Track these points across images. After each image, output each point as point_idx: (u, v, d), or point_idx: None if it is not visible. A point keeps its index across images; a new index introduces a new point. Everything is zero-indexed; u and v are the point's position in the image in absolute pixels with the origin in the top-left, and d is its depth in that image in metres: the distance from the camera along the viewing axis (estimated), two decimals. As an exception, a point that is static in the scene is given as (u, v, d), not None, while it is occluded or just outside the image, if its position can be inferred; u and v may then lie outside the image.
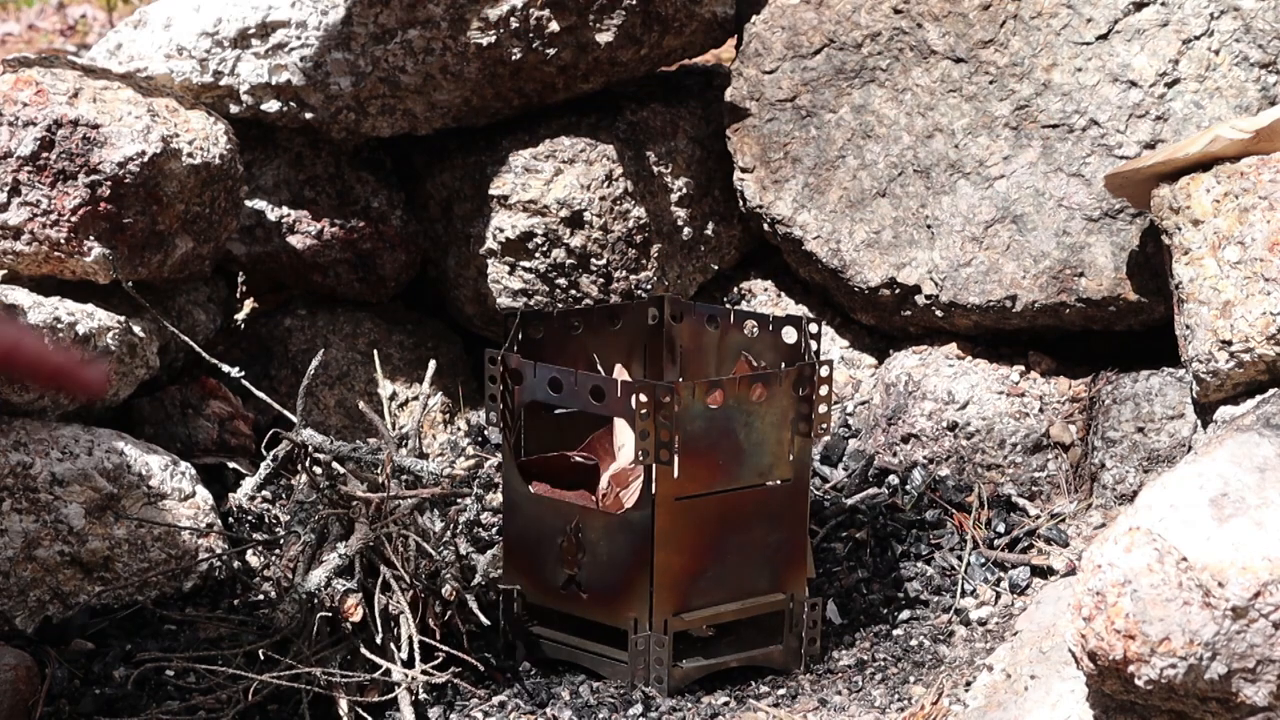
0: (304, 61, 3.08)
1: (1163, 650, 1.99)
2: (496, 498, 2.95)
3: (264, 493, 2.95)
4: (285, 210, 3.21)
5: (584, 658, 2.55)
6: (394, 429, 2.86)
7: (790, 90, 3.19)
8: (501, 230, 3.20)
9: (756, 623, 2.58)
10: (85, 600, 2.65)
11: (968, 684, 2.46)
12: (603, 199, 3.21)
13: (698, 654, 2.55)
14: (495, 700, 2.49)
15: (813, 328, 2.65)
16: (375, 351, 3.15)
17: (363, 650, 2.45)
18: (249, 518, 2.91)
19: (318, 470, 2.65)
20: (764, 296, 3.34)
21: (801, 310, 3.28)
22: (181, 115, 2.86)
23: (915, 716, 2.43)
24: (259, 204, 3.20)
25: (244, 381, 2.90)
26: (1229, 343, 2.54)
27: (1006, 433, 3.01)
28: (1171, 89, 2.95)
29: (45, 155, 2.75)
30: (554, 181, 3.20)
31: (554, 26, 3.08)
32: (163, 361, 2.96)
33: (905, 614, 2.73)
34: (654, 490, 2.44)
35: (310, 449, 2.66)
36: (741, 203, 3.26)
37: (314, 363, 2.73)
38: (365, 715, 2.41)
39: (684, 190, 3.29)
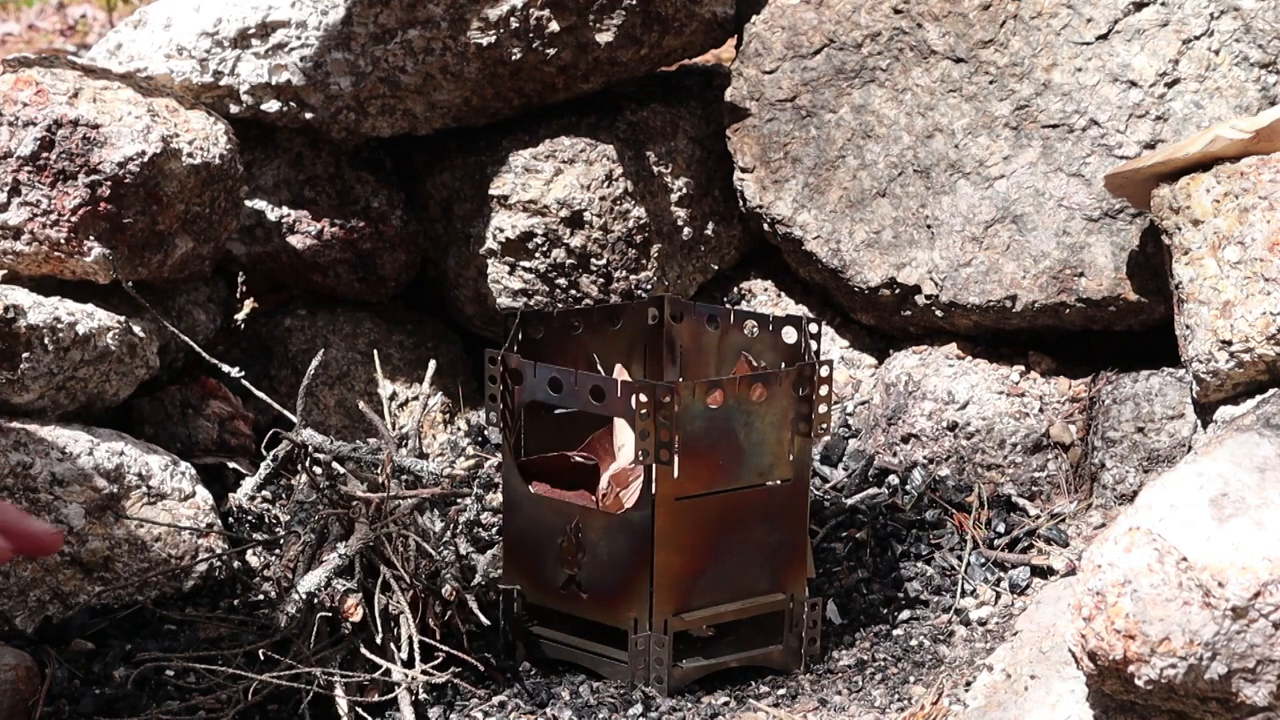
0: (304, 61, 3.08)
1: (1163, 650, 1.99)
2: (496, 498, 2.95)
3: (264, 493, 2.95)
4: (285, 210, 3.21)
5: (584, 658, 2.55)
6: (394, 429, 2.86)
7: (790, 90, 3.19)
8: (501, 230, 3.20)
9: (756, 623, 2.58)
10: (85, 600, 2.65)
11: (968, 684, 2.46)
12: (603, 199, 3.21)
13: (698, 654, 2.55)
14: (495, 700, 2.49)
15: (813, 328, 2.65)
16: (375, 351, 3.15)
17: (363, 650, 2.45)
18: (249, 518, 2.91)
19: (318, 470, 2.65)
20: (764, 296, 3.34)
21: (801, 310, 3.28)
22: (181, 115, 2.86)
23: (915, 716, 2.43)
24: (259, 204, 3.20)
25: (244, 381, 2.90)
26: (1229, 343, 2.54)
27: (1006, 433, 3.02)
28: (1171, 89, 2.95)
29: (45, 155, 2.75)
30: (554, 181, 3.20)
31: (554, 26, 3.08)
32: (163, 361, 2.96)
33: (905, 614, 2.73)
34: (654, 490, 2.44)
35: (310, 449, 2.66)
36: (741, 203, 3.26)
37: (314, 363, 2.73)
38: (365, 715, 2.41)
39: (684, 190, 3.29)
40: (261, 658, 2.47)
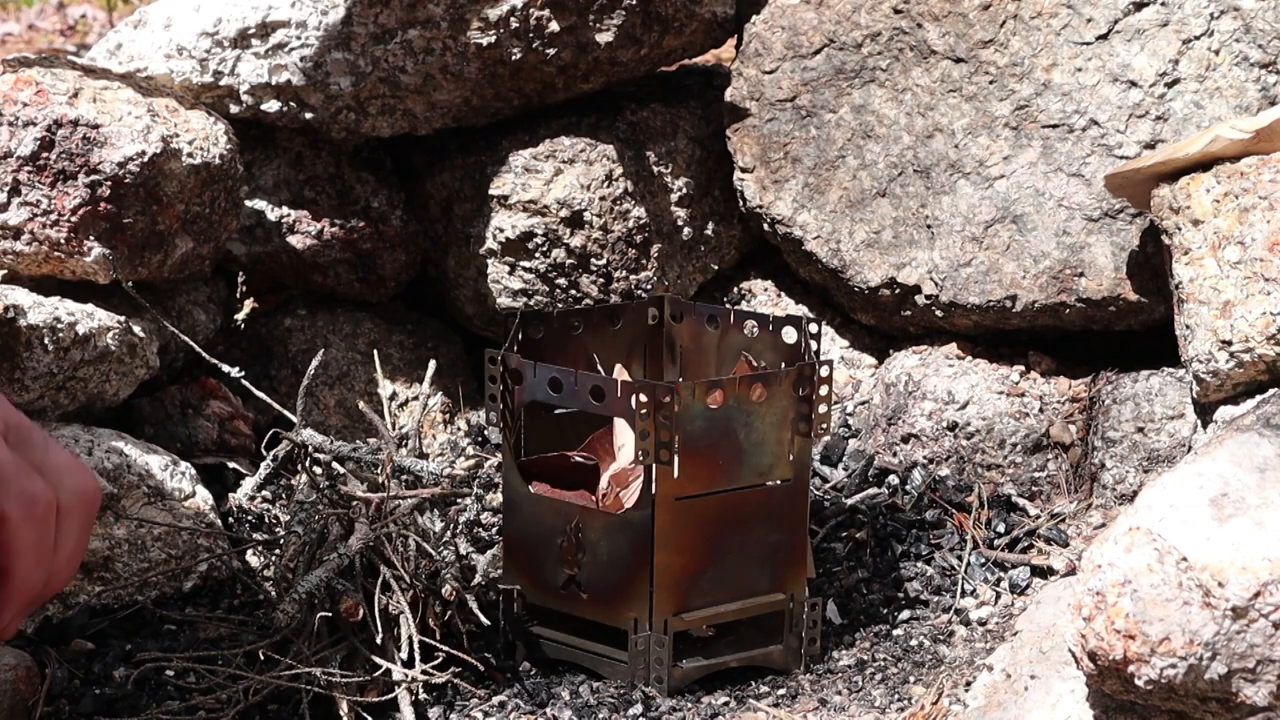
0: (304, 61, 3.08)
1: (1163, 650, 1.99)
2: (496, 498, 2.95)
3: (264, 493, 2.95)
4: (285, 210, 3.21)
5: (584, 658, 2.55)
6: (394, 429, 2.86)
7: (790, 90, 3.19)
8: (501, 230, 3.20)
9: (756, 623, 2.58)
10: (85, 600, 2.65)
11: (968, 684, 2.46)
12: (603, 199, 3.21)
13: (698, 654, 2.55)
14: (495, 700, 2.49)
15: (813, 328, 2.65)
16: (375, 351, 3.15)
17: (363, 650, 2.45)
18: (249, 518, 2.91)
19: (318, 470, 2.65)
20: (764, 296, 3.34)
21: (801, 310, 3.28)
22: (181, 115, 2.86)
23: (915, 716, 2.43)
24: (259, 204, 3.20)
25: (244, 381, 2.90)
26: (1229, 343, 2.54)
27: (1006, 433, 3.02)
28: (1171, 89, 2.95)
29: (45, 155, 2.75)
30: (554, 181, 3.20)
31: (554, 26, 3.08)
32: (163, 361, 2.96)
33: (905, 614, 2.73)
34: (654, 490, 2.44)
35: (310, 449, 2.66)
36: (741, 203, 3.27)
37: (314, 363, 2.73)
38: (365, 715, 2.41)
39: (684, 190, 3.29)
40: (261, 658, 2.47)
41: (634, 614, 2.48)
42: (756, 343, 2.73)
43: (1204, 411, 2.66)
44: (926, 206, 3.09)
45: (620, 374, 2.71)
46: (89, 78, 2.85)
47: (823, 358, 2.81)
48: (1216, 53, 2.93)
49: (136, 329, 2.83)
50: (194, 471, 2.82)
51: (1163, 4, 2.97)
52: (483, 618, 2.49)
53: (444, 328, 3.41)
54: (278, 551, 2.66)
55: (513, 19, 3.06)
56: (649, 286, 3.23)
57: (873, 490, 2.98)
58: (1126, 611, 2.01)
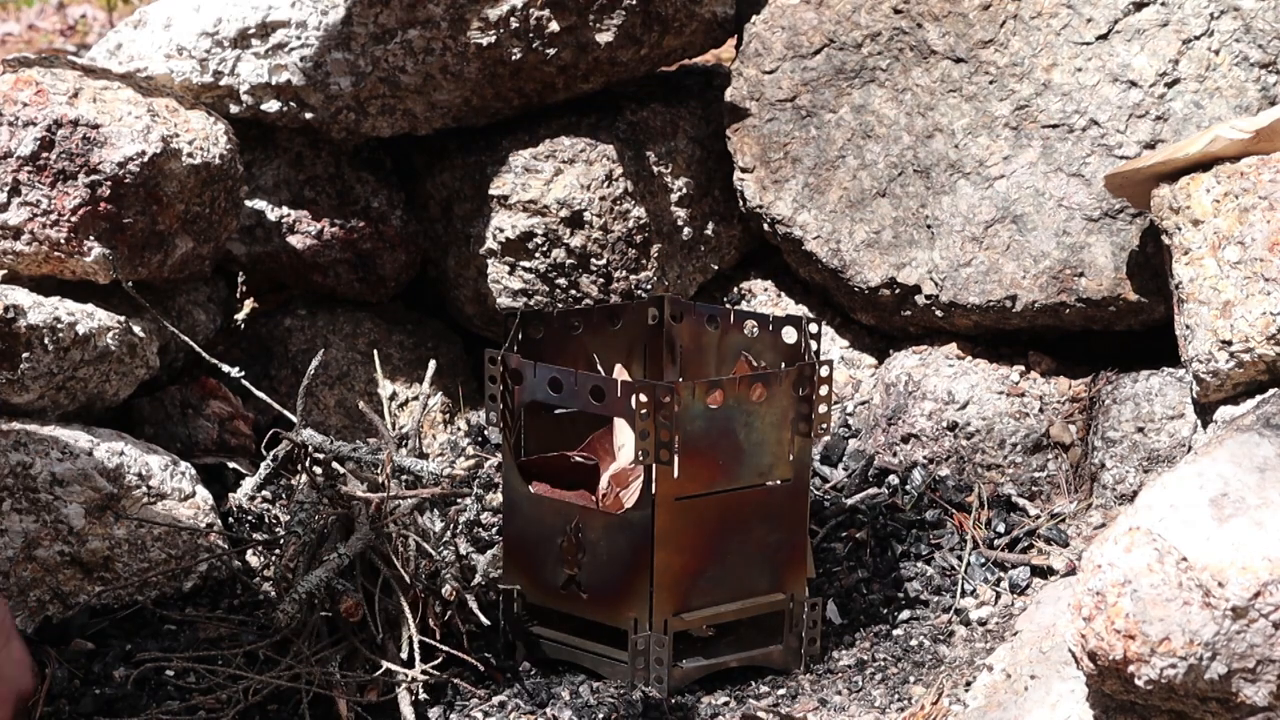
0: (304, 61, 3.08)
1: (1163, 650, 1.99)
2: (496, 498, 2.95)
3: (264, 493, 2.95)
4: (285, 210, 3.21)
5: (584, 658, 2.55)
6: (394, 429, 2.86)
7: (790, 90, 3.19)
8: (501, 230, 3.20)
9: (756, 623, 2.58)
10: (85, 600, 2.65)
11: (968, 684, 2.46)
12: (603, 199, 3.21)
13: (698, 654, 2.55)
14: (495, 700, 2.49)
15: (813, 328, 2.65)
16: (375, 351, 3.15)
17: (363, 650, 2.45)
18: (249, 518, 2.91)
19: (318, 470, 2.65)
20: (764, 296, 3.34)
21: (801, 310, 3.28)
22: (181, 115, 2.86)
23: (915, 716, 2.43)
24: (259, 204, 3.20)
25: (244, 381, 2.90)
26: (1229, 343, 2.54)
27: (1006, 433, 3.02)
28: (1171, 89, 2.95)
29: (45, 155, 2.75)
30: (554, 181, 3.20)
31: (554, 26, 3.08)
32: (163, 361, 2.96)
33: (905, 614, 2.73)
34: (654, 490, 2.44)
35: (310, 449, 2.66)
36: (741, 203, 3.27)
37: (314, 363, 2.73)
38: (365, 715, 2.41)
39: (684, 190, 3.29)
40: (261, 658, 2.47)
41: (634, 614, 2.48)
42: (756, 343, 2.73)
43: (1204, 411, 2.66)
44: (926, 206, 3.09)
45: (620, 374, 2.71)
46: (89, 78, 2.85)
47: (823, 358, 2.81)
48: (1216, 53, 2.93)
49: (136, 329, 2.83)
50: (194, 471, 2.82)
51: (1163, 4, 2.97)
52: (483, 618, 2.49)
53: (444, 328, 3.41)
54: (278, 551, 2.66)
55: (513, 19, 3.06)
56: (649, 286, 3.23)
57: (873, 490, 2.98)
58: (1126, 611, 2.01)
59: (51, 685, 2.46)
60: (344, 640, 2.46)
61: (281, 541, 2.65)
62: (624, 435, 2.65)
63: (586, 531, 2.50)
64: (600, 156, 3.22)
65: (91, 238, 2.77)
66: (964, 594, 2.78)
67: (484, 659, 2.54)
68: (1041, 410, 3.02)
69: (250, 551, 2.80)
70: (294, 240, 3.21)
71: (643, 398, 2.39)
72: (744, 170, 3.22)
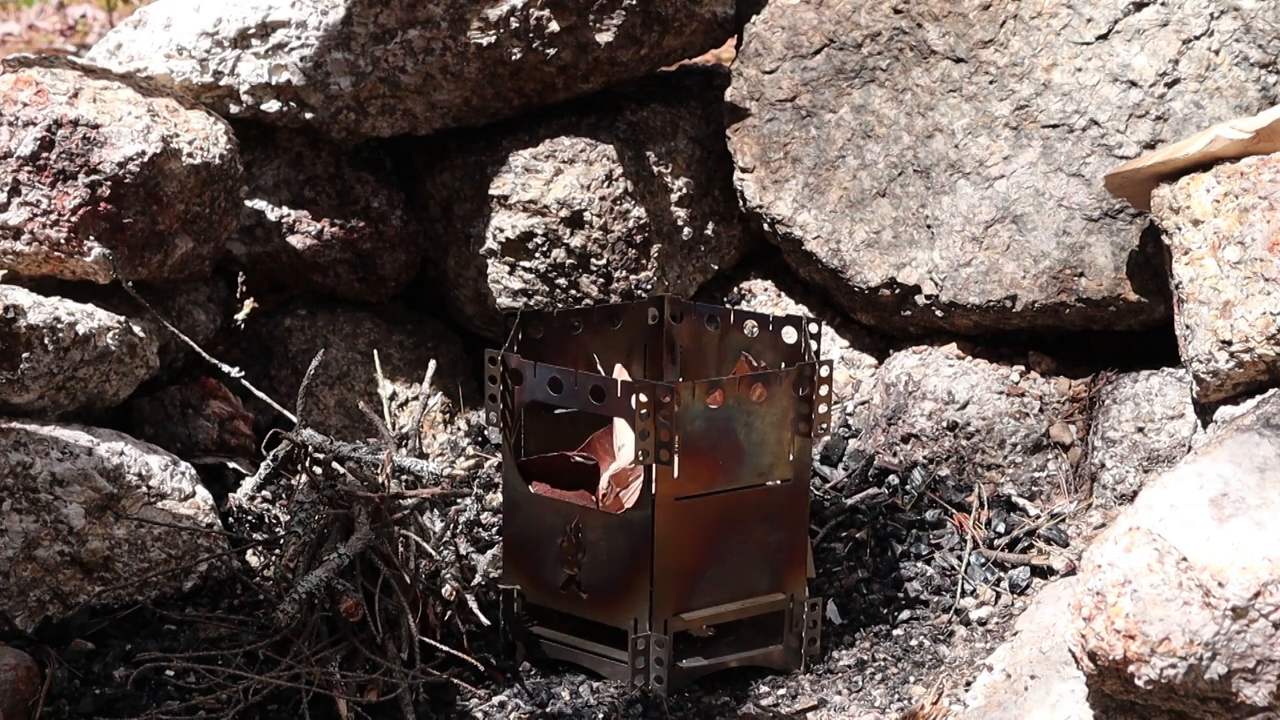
0: (304, 61, 3.08)
1: (1163, 650, 1.99)
2: (496, 498, 2.95)
3: (264, 493, 2.95)
4: (285, 210, 3.21)
5: (584, 658, 2.55)
6: (394, 429, 2.86)
7: (790, 90, 3.19)
8: (501, 230, 3.21)
9: (756, 623, 2.58)
10: (85, 600, 2.65)
11: (968, 684, 2.46)
12: (603, 199, 3.21)
13: (698, 654, 2.55)
14: (495, 700, 2.49)
15: (813, 328, 2.65)
16: (375, 351, 3.15)
17: (363, 650, 2.45)
18: (249, 518, 2.91)
19: (318, 470, 2.65)
20: (764, 296, 3.34)
21: (801, 310, 3.28)
22: (181, 115, 2.86)
23: (915, 716, 2.43)
24: (259, 204, 3.20)
25: (244, 381, 2.90)
26: (1229, 343, 2.54)
27: (1006, 433, 3.02)
28: (1171, 89, 2.95)
29: (45, 155, 2.75)
30: (554, 181, 3.20)
31: (554, 26, 3.08)
32: (163, 361, 2.96)
33: (905, 614, 2.73)
34: (654, 490, 2.44)
35: (310, 449, 2.66)
36: (741, 203, 3.27)
37: (314, 363, 2.73)
38: (365, 715, 2.41)
39: (684, 190, 3.29)
40: (261, 658, 2.47)
41: (634, 614, 2.48)
42: (756, 343, 2.73)
43: (1204, 411, 2.66)
44: (926, 206, 3.09)
45: (620, 374, 2.71)
46: (89, 78, 2.85)
47: (823, 358, 2.81)
48: (1216, 53, 2.93)
49: (136, 329, 2.83)
50: (194, 471, 2.82)
51: (1163, 4, 2.97)
52: (483, 618, 2.49)
53: (444, 328, 3.41)
54: (278, 551, 2.66)
55: (513, 19, 3.06)
56: (649, 286, 3.23)
57: (873, 490, 2.98)
58: (1126, 611, 2.01)
59: (51, 685, 2.47)
60: (344, 640, 2.46)
61: (281, 541, 2.65)
62: (624, 435, 2.65)
63: (586, 531, 2.50)
64: (600, 156, 3.22)
65: (91, 238, 2.77)
66: (964, 594, 2.78)
67: (484, 659, 2.54)
68: (1041, 410, 3.02)
69: (250, 551, 2.79)
70: (294, 240, 3.21)
71: (643, 398, 2.39)
72: (744, 170, 3.22)
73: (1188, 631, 1.98)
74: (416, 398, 3.22)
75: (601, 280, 3.23)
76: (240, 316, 3.39)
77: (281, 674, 2.40)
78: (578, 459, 2.69)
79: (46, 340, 2.68)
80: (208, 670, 2.43)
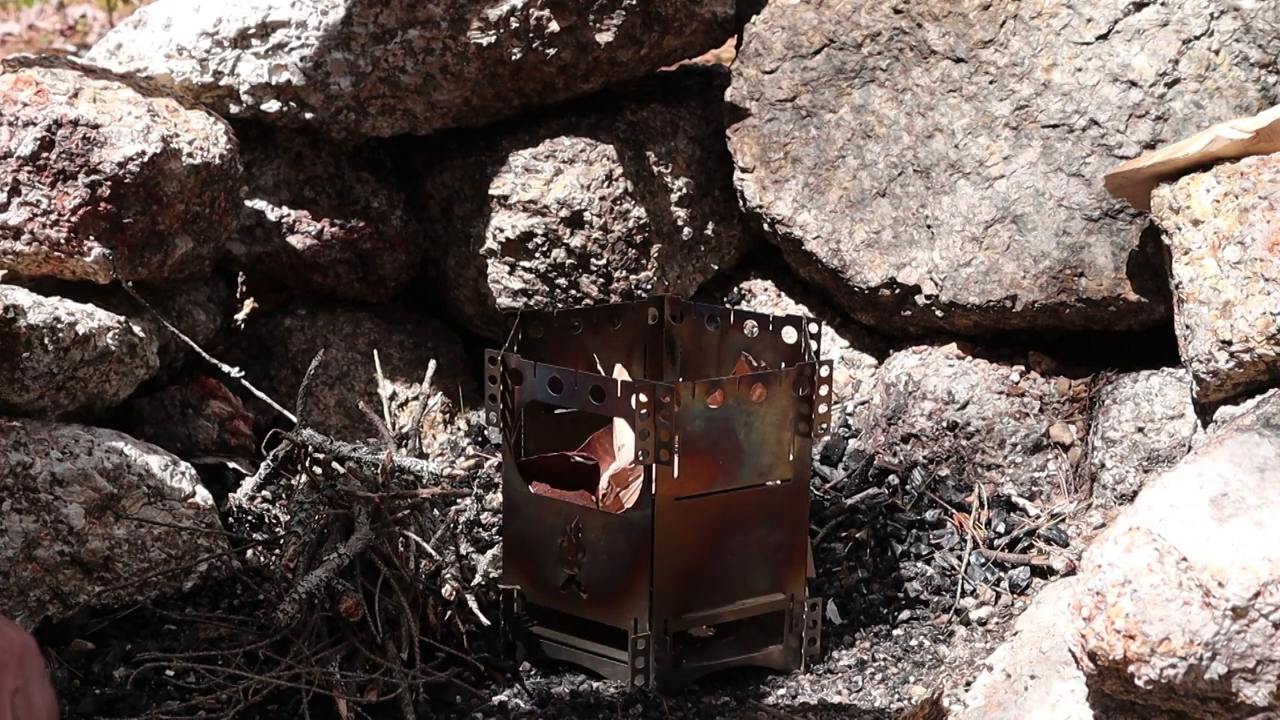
0: (304, 61, 3.08)
1: (1163, 650, 1.99)
2: (496, 498, 2.95)
3: (264, 493, 2.95)
4: (285, 210, 3.21)
5: (584, 658, 2.55)
6: (394, 429, 2.86)
7: (790, 90, 3.19)
8: (501, 230, 3.21)
9: (756, 623, 2.58)
10: (85, 600, 2.65)
11: (968, 684, 2.46)
12: (603, 199, 3.21)
13: (698, 654, 2.55)
14: (495, 700, 2.49)
15: (813, 328, 2.65)
16: (375, 351, 3.15)
17: (363, 650, 2.45)
18: (249, 518, 2.91)
19: (318, 470, 2.65)
20: (764, 296, 3.34)
21: (801, 310, 3.28)
22: (181, 115, 2.86)
23: (915, 716, 2.43)
24: (259, 204, 3.20)
25: (244, 381, 2.90)
26: (1229, 343, 2.54)
27: (1006, 433, 3.02)
28: (1171, 89, 2.95)
29: (45, 155, 2.75)
30: (554, 181, 3.20)
31: (554, 26, 3.08)
32: (163, 361, 2.96)
33: (905, 614, 2.73)
34: (654, 490, 2.44)
35: (310, 449, 2.66)
36: (741, 203, 3.27)
37: (314, 363, 2.73)
38: (365, 715, 2.41)
39: (684, 190, 3.29)
40: (261, 658, 2.47)
41: (634, 614, 2.48)
42: (756, 343, 2.73)
43: (1204, 411, 2.66)
44: (926, 206, 3.09)
45: (620, 374, 2.71)
46: (89, 78, 2.85)
47: (823, 358, 2.81)
48: (1216, 53, 2.93)
49: (136, 329, 2.83)
50: (194, 471, 2.82)
51: (1163, 4, 2.97)
52: (483, 618, 2.49)
53: (444, 328, 3.41)
54: (278, 551, 2.66)
55: (513, 19, 3.06)
56: (649, 286, 3.23)
57: (873, 490, 2.98)
58: (1126, 611, 2.01)
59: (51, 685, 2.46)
60: (344, 640, 2.46)
61: (281, 541, 2.65)
62: (624, 435, 2.65)
63: (586, 531, 2.50)
64: (600, 156, 3.22)
65: (91, 238, 2.77)
66: (964, 594, 2.78)
67: (484, 659, 2.54)
68: (1041, 410, 3.02)
69: (250, 551, 2.79)
70: (294, 240, 3.21)
71: (643, 398, 2.39)
72: (744, 170, 3.22)
73: (1188, 631, 1.98)
74: (416, 398, 3.22)
75: (601, 280, 3.23)
76: (240, 316, 3.39)
77: (281, 674, 2.40)
78: (578, 459, 2.69)
79: (46, 340, 2.68)
80: (208, 670, 2.43)
